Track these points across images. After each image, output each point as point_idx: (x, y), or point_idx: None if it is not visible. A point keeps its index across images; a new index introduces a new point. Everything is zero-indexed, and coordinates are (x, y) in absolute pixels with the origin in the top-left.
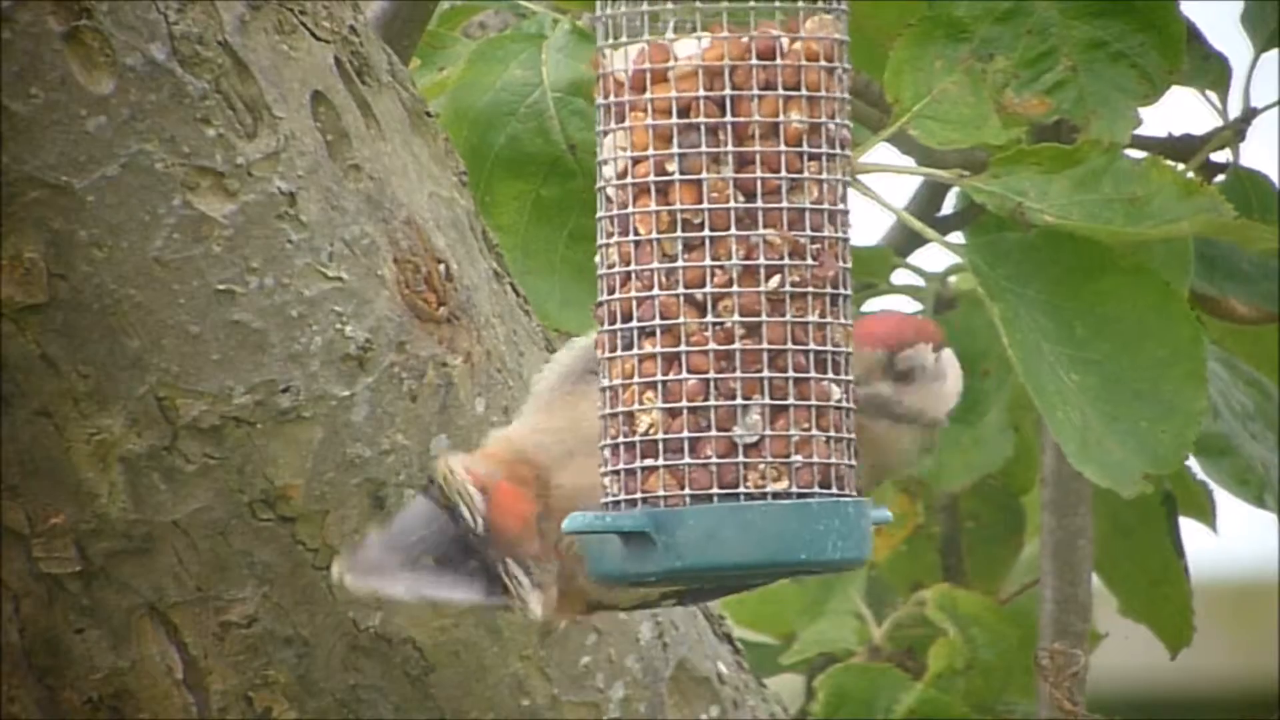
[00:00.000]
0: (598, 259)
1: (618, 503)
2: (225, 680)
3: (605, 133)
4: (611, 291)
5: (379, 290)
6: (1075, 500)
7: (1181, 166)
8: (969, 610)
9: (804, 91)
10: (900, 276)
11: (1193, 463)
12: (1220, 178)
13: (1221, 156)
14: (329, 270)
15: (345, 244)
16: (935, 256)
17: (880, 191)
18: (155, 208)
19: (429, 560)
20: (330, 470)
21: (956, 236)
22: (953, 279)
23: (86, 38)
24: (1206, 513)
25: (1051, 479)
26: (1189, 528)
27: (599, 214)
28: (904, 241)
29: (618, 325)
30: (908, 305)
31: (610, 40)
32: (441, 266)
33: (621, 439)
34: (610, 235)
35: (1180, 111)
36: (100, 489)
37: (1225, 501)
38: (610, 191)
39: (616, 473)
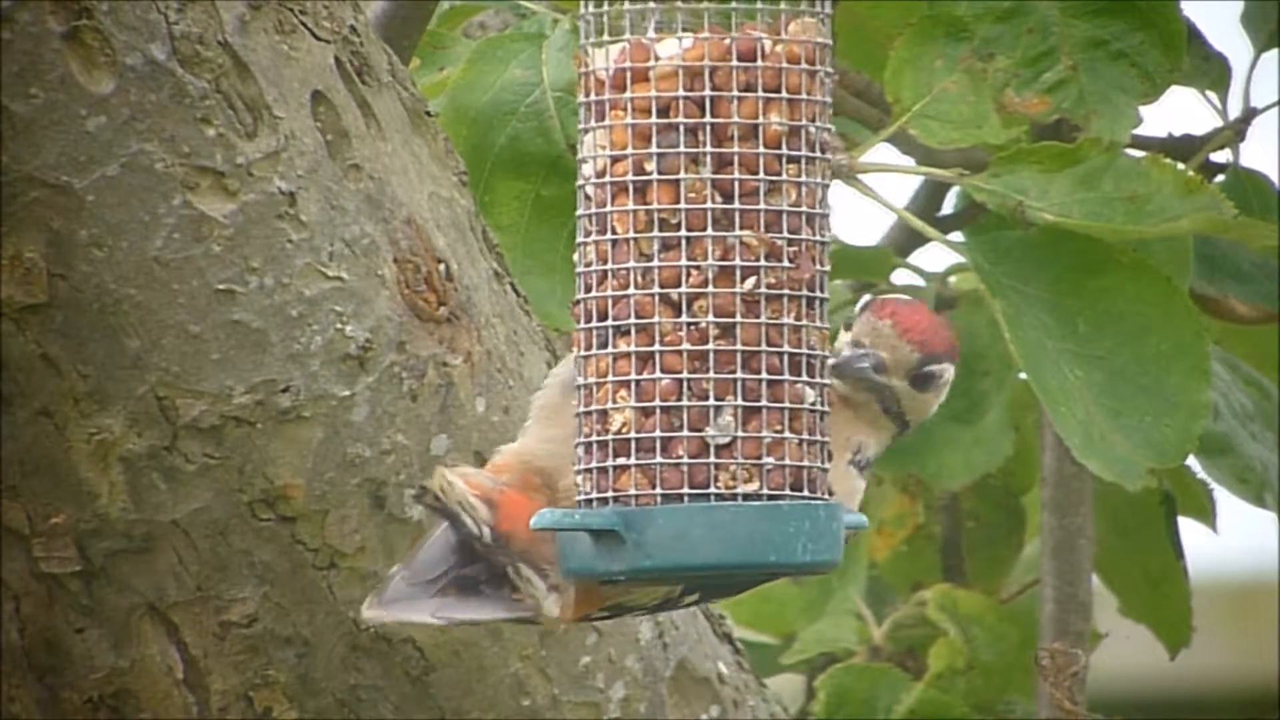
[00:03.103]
0: (576, 256)
1: (589, 500)
2: (225, 680)
3: (586, 131)
4: (589, 289)
5: (379, 290)
6: (1075, 500)
7: (1182, 166)
8: (969, 610)
9: (784, 94)
10: (900, 276)
11: (1193, 462)
12: (1220, 178)
13: (1221, 156)
14: (329, 270)
15: (345, 244)
16: (935, 256)
17: (880, 191)
18: (155, 208)
19: (453, 590)
20: (330, 470)
21: (957, 236)
22: (953, 279)
23: (86, 38)
24: (1206, 513)
25: (1052, 479)
26: (1189, 528)
27: (578, 212)
28: (904, 241)
29: (594, 323)
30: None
31: (593, 38)
32: (441, 266)
33: (595, 437)
34: (589, 233)
35: (1180, 111)
36: (100, 489)
37: (1225, 501)
38: (589, 190)
39: (589, 470)
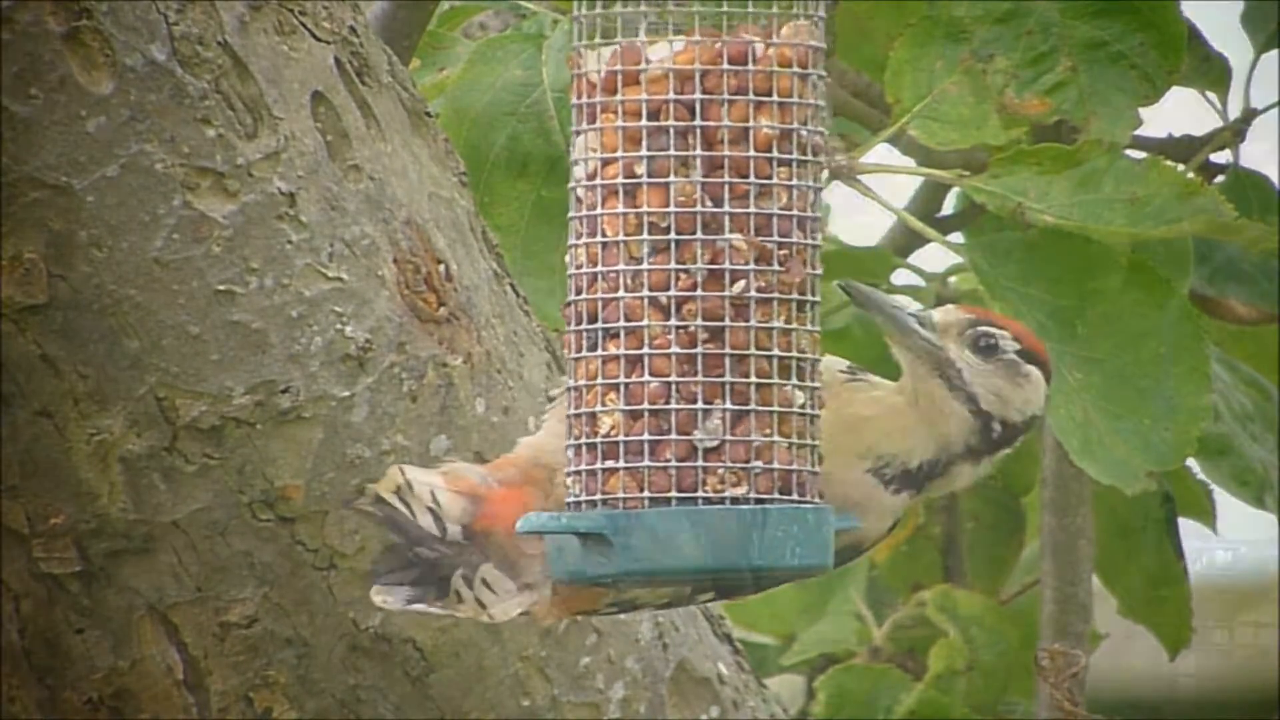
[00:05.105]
0: (567, 259)
1: (579, 503)
2: (225, 680)
3: (578, 133)
4: (579, 292)
5: (379, 290)
6: (1075, 501)
7: (1181, 167)
8: (969, 611)
9: (775, 98)
10: (900, 276)
11: (1193, 463)
12: (1220, 178)
13: (1221, 157)
14: (329, 270)
15: (345, 244)
16: (935, 256)
17: (880, 192)
18: (155, 208)
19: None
20: (330, 470)
21: (957, 237)
22: (953, 279)
23: (86, 38)
24: (1206, 513)
25: (1052, 479)
26: (1189, 528)
27: (570, 214)
28: (904, 241)
29: (584, 326)
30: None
31: (586, 40)
32: (441, 267)
33: (584, 440)
34: (580, 236)
35: (1180, 112)
36: (100, 489)
37: (1225, 501)
38: (580, 192)
39: (579, 473)
